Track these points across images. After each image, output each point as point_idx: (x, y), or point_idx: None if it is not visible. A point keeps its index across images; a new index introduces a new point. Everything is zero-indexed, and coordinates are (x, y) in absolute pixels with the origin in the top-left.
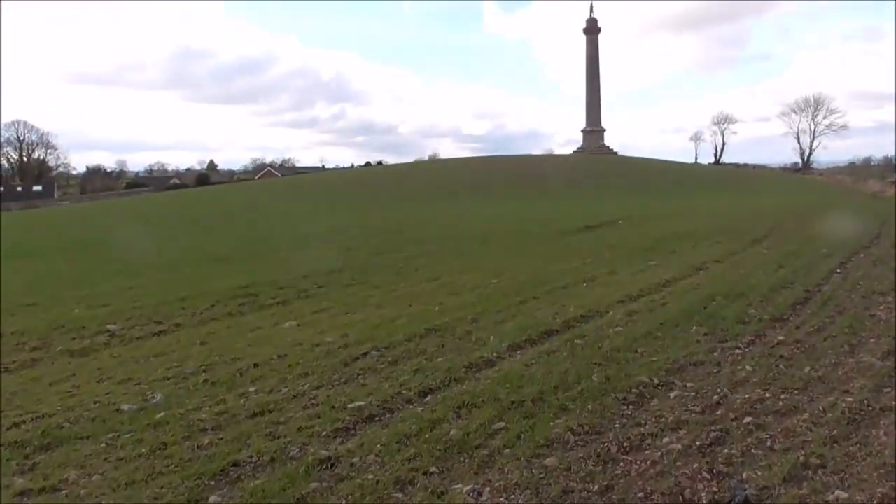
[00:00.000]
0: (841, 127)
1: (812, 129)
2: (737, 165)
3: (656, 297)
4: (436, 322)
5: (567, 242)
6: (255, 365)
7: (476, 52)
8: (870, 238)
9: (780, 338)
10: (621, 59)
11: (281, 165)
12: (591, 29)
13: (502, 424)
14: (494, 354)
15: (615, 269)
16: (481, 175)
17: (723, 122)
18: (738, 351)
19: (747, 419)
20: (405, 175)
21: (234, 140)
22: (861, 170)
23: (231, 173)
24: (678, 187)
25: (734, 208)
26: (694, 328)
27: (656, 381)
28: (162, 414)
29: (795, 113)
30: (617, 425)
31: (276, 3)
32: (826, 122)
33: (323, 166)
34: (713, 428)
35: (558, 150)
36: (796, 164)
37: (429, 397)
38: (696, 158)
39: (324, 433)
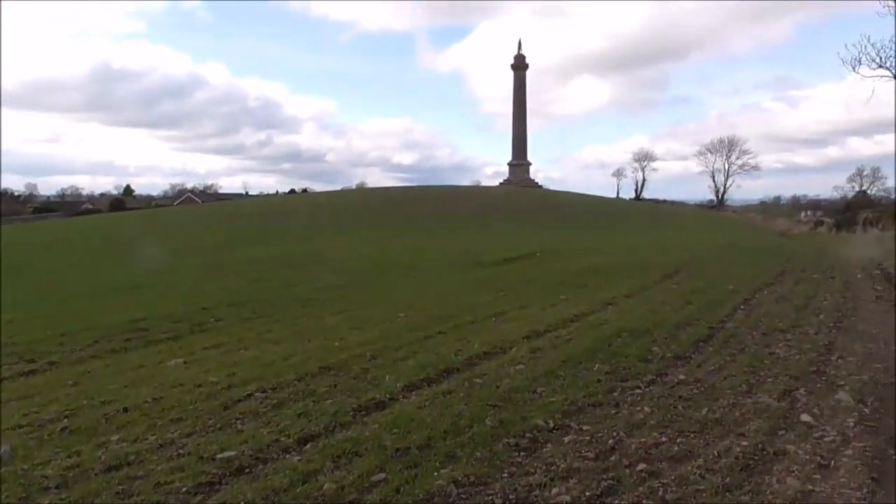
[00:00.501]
0: (753, 167)
1: (726, 168)
2: (656, 201)
3: (563, 332)
4: (331, 360)
5: (483, 275)
6: (125, 409)
7: (409, 86)
8: (773, 275)
9: (681, 377)
10: (549, 97)
11: (202, 192)
12: (519, 65)
13: (382, 476)
14: (387, 395)
15: (527, 303)
16: (404, 205)
17: (643, 159)
18: (637, 391)
19: (641, 466)
20: (328, 203)
21: (155, 165)
22: (771, 208)
23: (149, 199)
24: (598, 221)
25: (650, 243)
26: (596, 366)
27: (552, 425)
28: (2, 470)
29: (711, 153)
30: (505, 475)
31: (206, 29)
32: (739, 162)
33: (246, 193)
34: (605, 476)
35: (486, 183)
36: (712, 201)
37: (308, 445)
38: (617, 194)
39: (184, 489)
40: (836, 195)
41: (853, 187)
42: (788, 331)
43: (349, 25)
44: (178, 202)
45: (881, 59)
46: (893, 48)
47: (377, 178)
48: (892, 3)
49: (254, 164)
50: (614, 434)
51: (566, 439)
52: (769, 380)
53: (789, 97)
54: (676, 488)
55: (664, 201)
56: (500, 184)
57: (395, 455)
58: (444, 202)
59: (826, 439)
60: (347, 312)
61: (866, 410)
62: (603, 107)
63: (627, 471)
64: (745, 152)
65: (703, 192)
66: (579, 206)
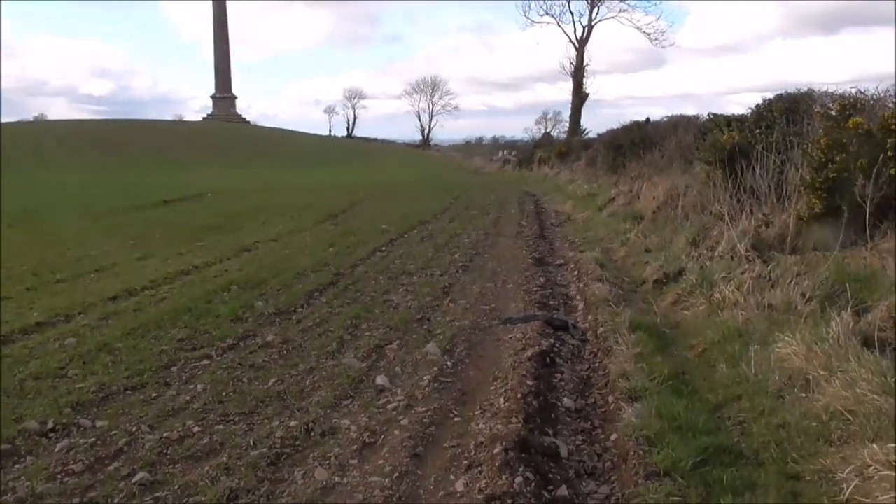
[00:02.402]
0: (454, 108)
1: (430, 108)
2: (367, 139)
3: (164, 289)
4: None
5: (128, 220)
6: None
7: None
8: (434, 212)
9: (270, 338)
10: (263, 26)
11: None
12: None
13: None
14: None
15: (151, 253)
16: (79, 140)
17: (354, 96)
18: (205, 362)
19: (142, 475)
20: None
21: None
22: (473, 148)
23: None
24: (299, 159)
25: (338, 181)
26: (173, 332)
27: (51, 425)
28: None
29: (416, 93)
30: None
31: None
32: (442, 102)
33: None
34: (84, 499)
35: (191, 118)
36: (417, 140)
37: None
38: (329, 131)
39: None
40: (526, 136)
41: (540, 129)
42: (416, 273)
43: None
44: None
45: (547, 6)
46: None
47: (63, 110)
48: None
49: None
50: (134, 429)
51: (60, 445)
52: (366, 334)
53: (488, 42)
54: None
55: (375, 139)
56: (204, 118)
57: None
58: (134, 137)
59: (390, 406)
60: None
61: (448, 363)
62: (317, 42)
63: (121, 484)
64: (448, 93)
65: (412, 132)
66: (283, 143)
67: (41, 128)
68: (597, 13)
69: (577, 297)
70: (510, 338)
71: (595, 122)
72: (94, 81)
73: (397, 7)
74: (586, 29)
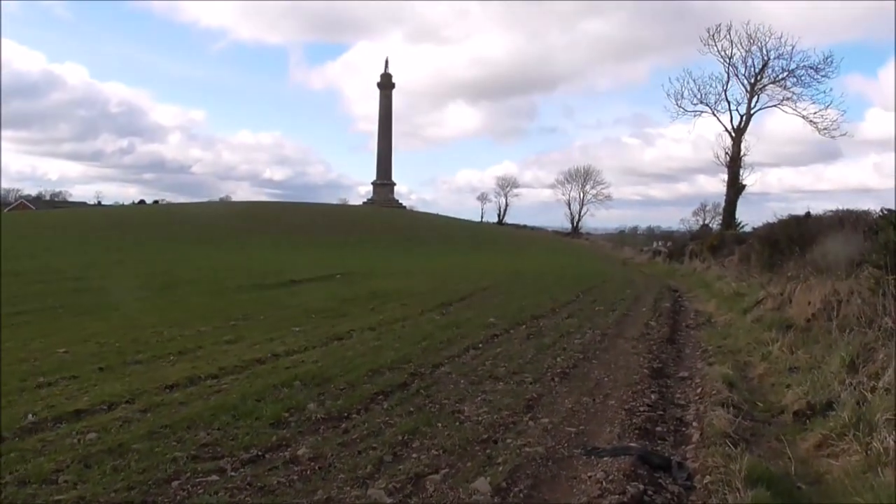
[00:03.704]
0: (606, 197)
1: (581, 197)
2: (517, 226)
3: (228, 379)
4: None
5: (244, 299)
6: None
7: (282, 100)
8: (556, 305)
9: (301, 451)
10: (424, 120)
11: (44, 199)
12: (385, 84)
13: None
14: None
15: (243, 336)
16: (247, 220)
17: (506, 185)
18: (213, 478)
19: None
20: (168, 215)
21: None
22: (628, 237)
23: None
24: (447, 244)
25: (474, 267)
26: (205, 433)
27: None
28: None
29: (568, 182)
30: None
31: (64, 28)
32: (593, 191)
33: (99, 202)
34: None
35: (355, 202)
36: (567, 228)
37: None
38: (481, 218)
39: None
40: (682, 227)
41: (697, 220)
42: (504, 378)
43: (221, 34)
44: (9, 208)
45: (701, 94)
46: (717, 87)
47: (246, 193)
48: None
49: (113, 173)
50: None
51: None
52: (413, 456)
53: (644, 134)
54: None
55: (525, 226)
56: (364, 203)
57: None
58: (298, 219)
59: None
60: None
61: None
62: (476, 132)
63: None
64: (599, 182)
65: (563, 220)
66: (434, 228)
67: (222, 208)
68: (756, 101)
69: (694, 424)
70: (590, 476)
71: (758, 216)
72: (275, 168)
73: (555, 100)
74: (744, 118)
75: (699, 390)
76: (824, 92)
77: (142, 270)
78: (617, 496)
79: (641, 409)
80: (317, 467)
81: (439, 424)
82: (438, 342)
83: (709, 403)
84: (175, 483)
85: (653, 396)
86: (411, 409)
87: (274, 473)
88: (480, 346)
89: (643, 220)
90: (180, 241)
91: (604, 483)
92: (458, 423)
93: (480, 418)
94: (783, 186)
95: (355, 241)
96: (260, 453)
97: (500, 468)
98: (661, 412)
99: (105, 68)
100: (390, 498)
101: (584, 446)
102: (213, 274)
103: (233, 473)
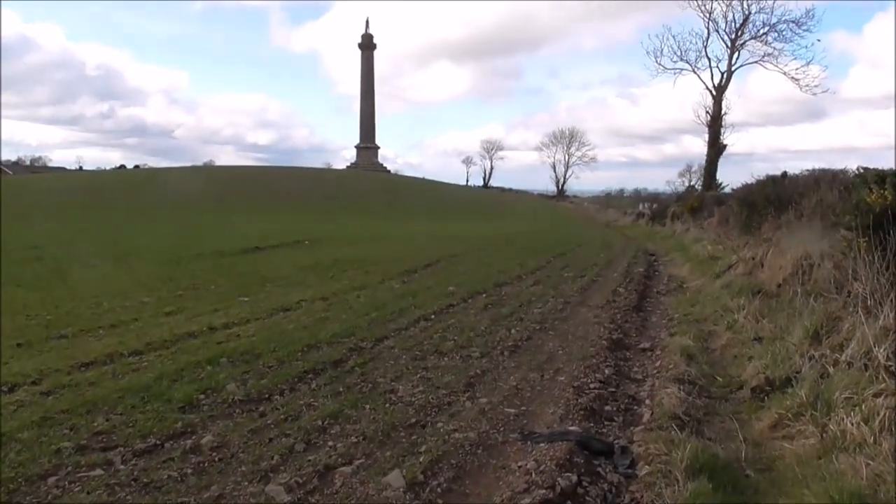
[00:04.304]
0: (591, 159)
1: (566, 159)
2: (502, 190)
3: (152, 356)
4: None
5: (201, 267)
6: None
7: (264, 62)
8: (523, 272)
9: (206, 439)
10: (409, 81)
11: (22, 164)
12: (367, 45)
13: None
14: None
15: (185, 307)
16: (224, 185)
17: (491, 148)
18: (97, 472)
19: None
20: (145, 180)
21: None
22: (614, 200)
23: None
24: (426, 208)
25: (449, 233)
26: (103, 420)
27: None
28: None
29: (553, 144)
30: None
31: None
32: (578, 153)
33: (80, 167)
34: None
35: (339, 165)
36: (553, 191)
37: None
38: (466, 181)
39: None
40: (668, 189)
41: (683, 182)
42: (450, 353)
43: None
44: None
45: (681, 51)
46: (698, 43)
47: (231, 158)
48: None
49: (95, 138)
50: None
51: None
52: (328, 444)
53: (630, 94)
54: None
55: (510, 190)
56: (348, 167)
57: None
58: (273, 184)
59: None
60: None
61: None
62: (462, 94)
63: None
64: (584, 144)
65: (548, 183)
66: (416, 192)
67: (204, 173)
68: (737, 58)
69: (647, 402)
70: (520, 466)
71: (743, 177)
72: (259, 132)
73: (541, 60)
74: (725, 75)
75: (658, 363)
76: (806, 47)
77: (103, 238)
78: (544, 491)
79: (592, 385)
80: (217, 458)
81: (367, 407)
82: (390, 313)
83: (664, 379)
84: (51, 479)
85: (607, 371)
86: (340, 389)
87: (167, 466)
88: (433, 316)
89: (630, 182)
90: (153, 207)
91: (533, 474)
92: (387, 405)
93: (414, 399)
94: (769, 147)
95: (334, 206)
96: (158, 442)
97: (422, 458)
98: (614, 389)
99: (81, 29)
100: (289, 495)
101: (522, 430)
102: (175, 241)
103: (121, 467)
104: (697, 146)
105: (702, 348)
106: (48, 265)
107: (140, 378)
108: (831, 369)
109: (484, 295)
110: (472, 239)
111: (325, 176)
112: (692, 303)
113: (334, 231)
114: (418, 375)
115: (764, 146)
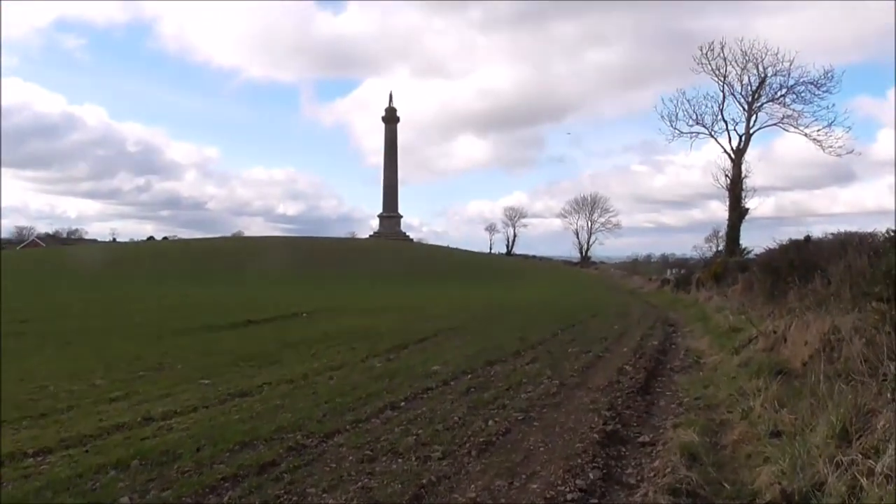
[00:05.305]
0: (615, 225)
1: (588, 226)
2: (525, 257)
3: (59, 455)
4: None
5: (178, 343)
6: None
7: (294, 137)
8: (525, 346)
9: None
10: (434, 152)
11: (52, 236)
12: (390, 118)
13: None
14: None
15: (134, 392)
16: (248, 255)
17: (514, 215)
18: None
19: None
20: (177, 250)
21: (19, 207)
22: (641, 265)
23: None
24: (447, 277)
25: (455, 303)
26: None
27: None
28: None
29: (575, 211)
30: None
31: (83, 70)
32: (601, 220)
33: (114, 239)
34: None
35: (364, 234)
36: (576, 257)
37: None
38: (490, 249)
39: None
40: (696, 255)
41: (710, 247)
42: (408, 453)
43: (234, 73)
44: (21, 246)
45: (697, 115)
46: (713, 107)
47: (260, 228)
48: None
49: (130, 210)
50: None
51: None
52: None
53: (654, 160)
54: None
55: (533, 257)
56: (370, 236)
57: None
58: (294, 254)
59: None
60: None
61: None
62: (486, 163)
63: None
64: (607, 210)
65: (572, 249)
66: (436, 260)
67: (228, 243)
68: (755, 120)
69: None
70: None
71: (770, 242)
72: (289, 203)
73: (564, 129)
74: (743, 138)
75: (656, 463)
76: (826, 108)
77: (102, 311)
78: None
79: (570, 496)
80: None
81: None
82: (356, 399)
83: (657, 488)
84: None
85: (592, 475)
86: (256, 502)
87: None
88: (402, 404)
89: (657, 247)
90: (168, 276)
91: None
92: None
93: None
94: (798, 210)
95: (351, 274)
96: None
97: None
98: (597, 500)
99: (123, 109)
100: None
101: None
102: (171, 314)
103: None
104: (723, 211)
105: (709, 445)
106: (26, 341)
107: (22, 487)
108: (863, 481)
109: (469, 376)
110: (479, 308)
111: (347, 245)
112: (706, 383)
113: (340, 301)
114: (359, 484)
115: (793, 210)
